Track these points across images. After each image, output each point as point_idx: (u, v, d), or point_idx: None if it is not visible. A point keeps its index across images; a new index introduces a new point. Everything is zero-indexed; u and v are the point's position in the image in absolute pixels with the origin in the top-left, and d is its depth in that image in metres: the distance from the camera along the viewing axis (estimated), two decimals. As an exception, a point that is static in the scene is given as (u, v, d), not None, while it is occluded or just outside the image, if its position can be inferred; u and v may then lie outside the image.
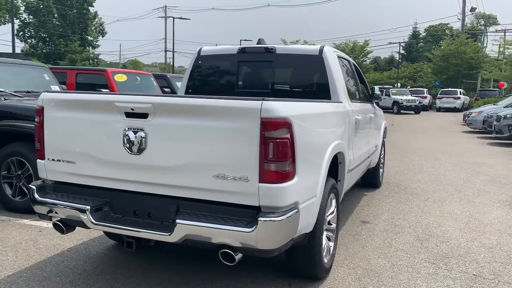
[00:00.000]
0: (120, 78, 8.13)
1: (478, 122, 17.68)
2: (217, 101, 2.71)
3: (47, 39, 50.38)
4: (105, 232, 4.12)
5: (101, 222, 2.95)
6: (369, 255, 4.17)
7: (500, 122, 13.62)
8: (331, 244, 3.75)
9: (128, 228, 2.85)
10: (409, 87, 42.77)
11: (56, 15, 50.14)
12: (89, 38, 53.12)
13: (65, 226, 3.16)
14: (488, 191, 6.97)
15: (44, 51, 49.55)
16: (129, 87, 8.32)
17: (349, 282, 3.59)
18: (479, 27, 66.14)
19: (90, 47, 52.77)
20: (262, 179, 2.62)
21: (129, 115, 2.86)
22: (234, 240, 2.65)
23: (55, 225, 3.18)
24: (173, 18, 47.39)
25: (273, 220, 2.61)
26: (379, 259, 4.08)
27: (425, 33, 69.84)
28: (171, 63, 62.49)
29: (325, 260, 3.55)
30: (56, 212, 3.13)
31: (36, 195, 3.18)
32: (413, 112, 32.38)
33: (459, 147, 12.84)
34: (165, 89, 10.18)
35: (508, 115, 13.44)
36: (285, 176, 2.66)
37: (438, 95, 36.58)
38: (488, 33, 60.30)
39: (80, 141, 3.07)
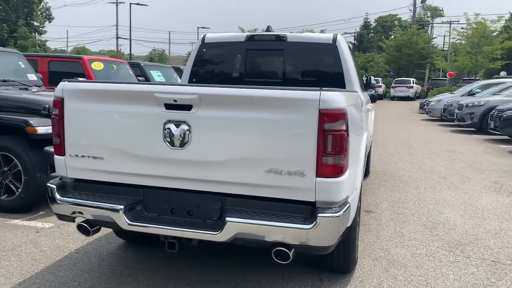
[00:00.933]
0: (97, 66, 7.66)
1: (437, 110, 18.38)
2: (271, 92, 2.55)
3: (-12, 23, 47.26)
4: (115, 230, 3.88)
5: (137, 222, 2.73)
6: (386, 245, 4.18)
7: (462, 110, 14.18)
8: (357, 236, 3.71)
9: (174, 228, 2.65)
10: (364, 76, 43.77)
11: (-3, -2, 47.09)
12: (35, 23, 50.33)
13: (91, 227, 2.91)
14: (471, 178, 7.22)
15: (-15, 36, 46.47)
16: (105, 76, 7.88)
17: (378, 273, 3.56)
18: (426, 18, 68.64)
19: (36, 33, 50.03)
20: (319, 174, 2.51)
21: (169, 107, 2.64)
22: (291, 238, 2.52)
23: (79, 226, 2.92)
24: (130, 3, 45.20)
25: (332, 216, 2.51)
26: (397, 248, 4.09)
27: (375, 24, 71.65)
28: (121, 51, 60.47)
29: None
30: (81, 213, 2.87)
31: (57, 195, 2.90)
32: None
33: (426, 135, 13.27)
34: (138, 78, 9.78)
35: (470, 104, 14.01)
36: (340, 170, 2.56)
37: (392, 84, 37.73)
38: (434, 24, 62.87)
39: (110, 135, 2.81)
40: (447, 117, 16.69)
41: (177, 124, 2.63)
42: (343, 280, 3.42)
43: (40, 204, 4.93)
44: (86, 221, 2.90)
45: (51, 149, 4.52)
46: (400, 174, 7.40)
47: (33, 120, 4.61)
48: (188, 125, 2.62)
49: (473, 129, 14.23)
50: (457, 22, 47.11)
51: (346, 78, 4.23)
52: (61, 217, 2.99)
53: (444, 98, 18.74)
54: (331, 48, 4.27)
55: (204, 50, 4.63)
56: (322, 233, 2.51)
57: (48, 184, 2.98)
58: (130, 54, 48.45)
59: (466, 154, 9.67)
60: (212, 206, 2.71)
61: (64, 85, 2.89)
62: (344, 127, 2.53)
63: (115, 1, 54.23)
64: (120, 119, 2.78)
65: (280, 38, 4.39)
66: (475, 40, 32.17)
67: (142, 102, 2.69)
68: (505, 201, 5.83)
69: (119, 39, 55.65)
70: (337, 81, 4.22)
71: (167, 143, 2.66)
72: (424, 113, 21.80)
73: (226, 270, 3.51)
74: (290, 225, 2.51)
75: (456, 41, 37.93)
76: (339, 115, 2.50)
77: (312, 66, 4.52)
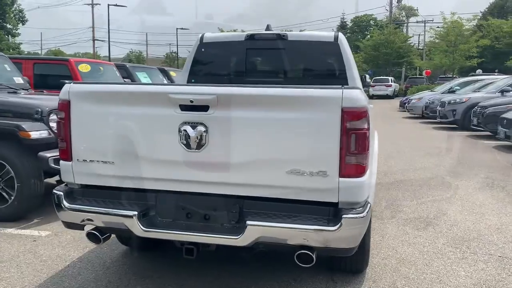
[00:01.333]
0: (84, 68, 7.46)
1: (419, 108, 18.64)
2: (291, 91, 2.49)
3: (-42, 26, 45.80)
4: (118, 236, 3.76)
5: (152, 228, 2.63)
6: (393, 244, 4.16)
7: (445, 108, 14.38)
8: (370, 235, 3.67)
9: (193, 234, 2.56)
10: None
11: (-32, 0, 45.64)
12: (8, 26, 48.95)
13: (102, 235, 2.79)
14: (462, 174, 7.30)
15: (-44, 40, 44.98)
16: (93, 78, 7.68)
17: (389, 272, 3.53)
18: (401, 18, 69.68)
19: (9, 35, 48.68)
20: (342, 174, 2.45)
21: (184, 108, 2.54)
22: (314, 240, 2.46)
23: (89, 235, 2.79)
24: (108, 4, 44.19)
25: (357, 217, 2.46)
26: (404, 247, 4.08)
27: (351, 24, 72.37)
28: (98, 53, 59.39)
29: (366, 253, 3.47)
30: (91, 220, 2.75)
31: (65, 202, 2.77)
32: (350, 99, 33.40)
33: (411, 132, 13.44)
34: (125, 79, 9.59)
35: (452, 101, 14.23)
36: (363, 170, 2.51)
37: (371, 83, 38.08)
38: (409, 24, 63.84)
39: (121, 138, 2.70)
40: (428, 114, 16.94)
41: (194, 125, 2.54)
42: (356, 281, 3.38)
43: (34, 212, 4.75)
44: (96, 229, 2.78)
45: (45, 154, 4.38)
46: (393, 172, 7.43)
47: (25, 125, 4.43)
48: (205, 126, 2.53)
49: (455, 126, 14.47)
50: (431, 22, 47.90)
51: (349, 76, 4.21)
52: (70, 225, 2.86)
53: (425, 96, 19.02)
54: (333, 46, 4.24)
55: (203, 50, 4.54)
56: (346, 234, 2.46)
57: (54, 191, 2.84)
58: (109, 56, 47.56)
59: (453, 150, 9.82)
60: (230, 209, 2.62)
61: (70, 87, 2.76)
62: (366, 126, 2.49)
63: (90, 3, 53.33)
64: (131, 121, 2.67)
65: (281, 37, 4.33)
66: (452, 39, 32.81)
67: (156, 104, 2.59)
68: (500, 195, 5.91)
69: (95, 41, 54.74)
70: (340, 79, 4.18)
71: (182, 145, 2.56)
72: (404, 111, 22.10)
73: (236, 274, 3.43)
74: (314, 227, 2.44)
75: (433, 40, 38.56)
76: (362, 113, 2.45)
77: (314, 64, 4.48)
